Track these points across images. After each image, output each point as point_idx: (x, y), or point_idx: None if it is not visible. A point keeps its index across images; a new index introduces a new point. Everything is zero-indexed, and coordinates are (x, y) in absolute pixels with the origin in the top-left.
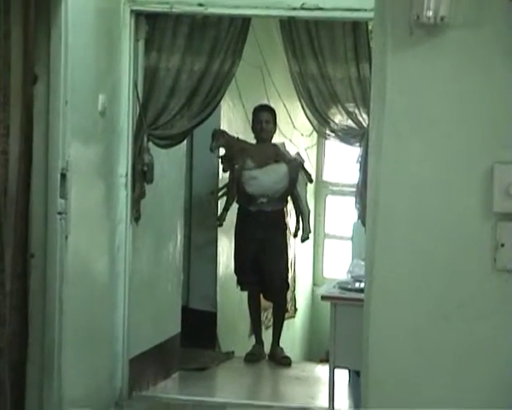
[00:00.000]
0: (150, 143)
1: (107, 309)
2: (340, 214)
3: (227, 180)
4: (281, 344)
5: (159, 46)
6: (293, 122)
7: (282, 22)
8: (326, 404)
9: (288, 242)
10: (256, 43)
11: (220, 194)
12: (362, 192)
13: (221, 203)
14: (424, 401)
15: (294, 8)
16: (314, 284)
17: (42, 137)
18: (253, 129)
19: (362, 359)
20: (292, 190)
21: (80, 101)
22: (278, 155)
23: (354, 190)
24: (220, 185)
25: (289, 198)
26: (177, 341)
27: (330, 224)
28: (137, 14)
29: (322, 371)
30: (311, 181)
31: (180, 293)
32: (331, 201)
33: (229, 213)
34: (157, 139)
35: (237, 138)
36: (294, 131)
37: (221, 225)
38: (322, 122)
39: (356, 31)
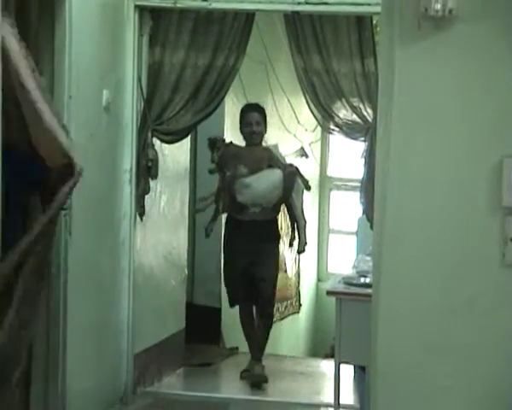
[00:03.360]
0: (154, 139)
1: (111, 305)
2: (345, 209)
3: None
4: (285, 340)
5: (163, 41)
6: (297, 117)
7: (286, 17)
8: (331, 399)
9: (279, 254)
10: (260, 39)
11: (207, 202)
12: (367, 187)
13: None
14: (431, 394)
15: (299, 3)
16: (318, 280)
17: None
18: (242, 131)
19: (370, 352)
20: (287, 199)
21: (84, 96)
22: (272, 159)
23: (359, 185)
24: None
25: (283, 207)
26: (182, 336)
27: (335, 219)
28: (141, 10)
29: (327, 366)
30: (308, 188)
31: (184, 289)
32: (335, 196)
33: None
34: (161, 134)
35: (229, 143)
36: (298, 126)
37: (208, 236)
38: (326, 117)
39: (360, 25)
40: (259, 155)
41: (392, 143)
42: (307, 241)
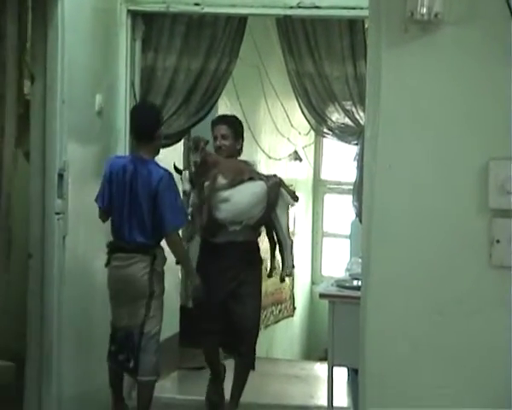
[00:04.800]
0: None
1: (105, 310)
2: (338, 212)
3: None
4: (279, 343)
5: (156, 46)
6: (290, 121)
7: (278, 21)
8: (325, 402)
9: (261, 282)
10: (253, 43)
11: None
12: (359, 190)
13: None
14: (419, 396)
15: (291, 7)
16: (312, 283)
17: (39, 137)
18: (213, 145)
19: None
20: (270, 216)
21: (77, 100)
22: (252, 172)
23: (352, 188)
24: None
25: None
26: (176, 340)
27: (328, 222)
28: (134, 14)
29: (321, 369)
30: (296, 199)
31: (178, 292)
32: (329, 199)
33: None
34: None
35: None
36: (292, 130)
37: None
38: (319, 120)
39: (352, 29)
40: (240, 166)
41: (380, 146)
42: (294, 264)
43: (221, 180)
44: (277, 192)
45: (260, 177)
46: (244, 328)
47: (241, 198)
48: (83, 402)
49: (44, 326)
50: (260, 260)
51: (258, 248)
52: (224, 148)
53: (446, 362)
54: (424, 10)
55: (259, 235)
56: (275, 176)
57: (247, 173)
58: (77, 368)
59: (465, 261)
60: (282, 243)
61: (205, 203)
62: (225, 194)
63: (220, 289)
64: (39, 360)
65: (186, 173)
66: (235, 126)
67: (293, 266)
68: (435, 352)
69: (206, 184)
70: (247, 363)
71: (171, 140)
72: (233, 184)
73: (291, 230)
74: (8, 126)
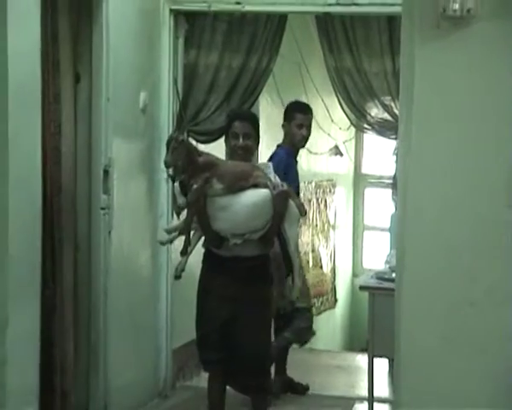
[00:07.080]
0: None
1: (150, 302)
2: (379, 206)
3: None
4: (321, 335)
5: (198, 44)
6: (331, 116)
7: (318, 18)
8: (367, 393)
9: (271, 303)
10: (294, 40)
11: (173, 235)
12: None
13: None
14: (451, 383)
15: (330, 4)
16: (354, 275)
17: (85, 134)
18: (227, 143)
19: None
20: (277, 229)
21: (122, 98)
22: (258, 177)
23: (391, 181)
24: None
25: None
26: None
27: (369, 215)
28: (177, 13)
29: (363, 360)
30: (303, 214)
31: None
32: (370, 193)
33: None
34: (197, 135)
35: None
36: (333, 125)
37: (178, 277)
38: (358, 116)
39: (391, 25)
40: (244, 170)
41: (413, 139)
42: (301, 288)
43: (216, 184)
44: (285, 203)
45: (266, 184)
46: (253, 362)
47: (240, 209)
48: (129, 391)
49: (91, 318)
50: (271, 279)
51: (268, 264)
52: (247, 149)
53: (478, 351)
54: (456, 6)
55: (270, 247)
56: (283, 185)
57: (252, 179)
58: (123, 358)
59: (496, 252)
60: (290, 259)
61: (191, 210)
62: (223, 201)
63: (220, 309)
64: (87, 354)
65: (177, 186)
66: (257, 124)
67: (299, 291)
68: (467, 341)
69: (195, 186)
70: (263, 397)
71: (213, 136)
72: (232, 190)
73: (331, 223)
74: (65, 125)
